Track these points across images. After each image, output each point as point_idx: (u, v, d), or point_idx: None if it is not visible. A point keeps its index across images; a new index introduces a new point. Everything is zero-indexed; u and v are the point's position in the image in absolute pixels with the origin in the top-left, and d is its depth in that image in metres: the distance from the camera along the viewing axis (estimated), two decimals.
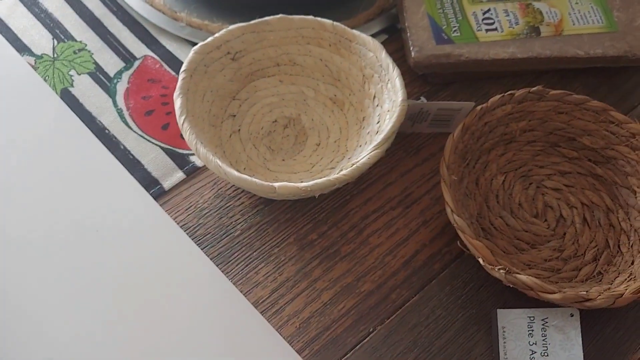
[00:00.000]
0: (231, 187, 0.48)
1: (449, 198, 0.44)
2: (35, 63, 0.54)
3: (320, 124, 0.52)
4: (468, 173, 0.49)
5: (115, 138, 0.50)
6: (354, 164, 0.43)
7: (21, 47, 0.55)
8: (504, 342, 0.42)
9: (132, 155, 0.49)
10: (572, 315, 0.41)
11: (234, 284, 0.44)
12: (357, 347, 0.42)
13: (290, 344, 0.41)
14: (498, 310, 0.42)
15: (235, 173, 0.42)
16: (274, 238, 0.46)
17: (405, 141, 0.52)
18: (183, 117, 0.44)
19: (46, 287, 0.43)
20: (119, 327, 0.42)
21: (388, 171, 0.50)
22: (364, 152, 0.45)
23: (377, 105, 0.49)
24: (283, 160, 0.50)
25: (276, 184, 0.42)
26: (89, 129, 0.50)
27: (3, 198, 0.47)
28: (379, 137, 0.45)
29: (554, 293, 0.40)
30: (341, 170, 0.43)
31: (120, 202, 0.47)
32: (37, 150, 0.49)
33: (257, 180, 0.42)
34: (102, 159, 0.49)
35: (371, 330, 0.43)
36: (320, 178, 0.42)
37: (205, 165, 0.50)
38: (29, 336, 0.41)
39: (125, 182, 0.48)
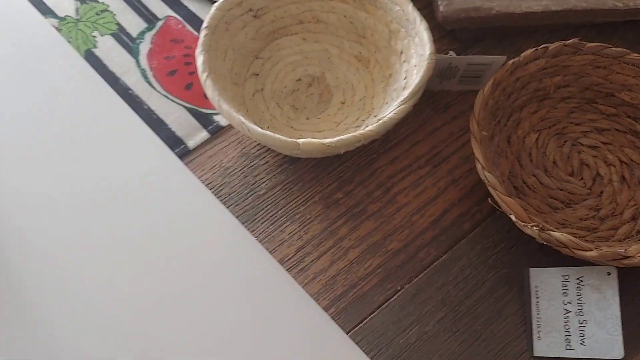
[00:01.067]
0: (255, 146, 0.48)
1: (479, 154, 0.42)
2: (58, 25, 0.54)
3: (344, 82, 0.50)
4: (499, 131, 0.47)
5: (139, 98, 0.50)
6: (380, 120, 0.42)
7: (45, 10, 0.55)
8: (537, 302, 0.40)
9: (156, 115, 0.49)
10: (609, 274, 0.40)
11: (259, 242, 0.43)
12: (385, 305, 0.41)
13: (316, 301, 0.41)
14: (531, 269, 0.41)
15: (259, 129, 0.41)
16: (299, 197, 0.46)
17: (433, 99, 0.50)
18: (205, 74, 0.43)
19: (73, 245, 0.43)
20: (144, 284, 0.42)
21: (416, 129, 0.49)
22: (390, 108, 0.43)
23: (404, 61, 0.47)
24: (307, 119, 0.49)
25: (300, 140, 0.41)
26: (113, 89, 0.50)
27: (30, 159, 0.47)
28: (406, 92, 0.44)
29: (590, 250, 0.38)
30: (367, 126, 0.42)
31: (145, 162, 0.47)
32: (62, 112, 0.49)
33: (280, 136, 0.41)
34: (126, 119, 0.49)
35: (399, 288, 0.42)
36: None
37: (229, 125, 0.49)
38: (59, 289, 0.42)
39: (149, 141, 0.48)
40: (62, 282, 0.42)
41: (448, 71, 0.48)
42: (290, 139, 0.41)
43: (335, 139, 0.41)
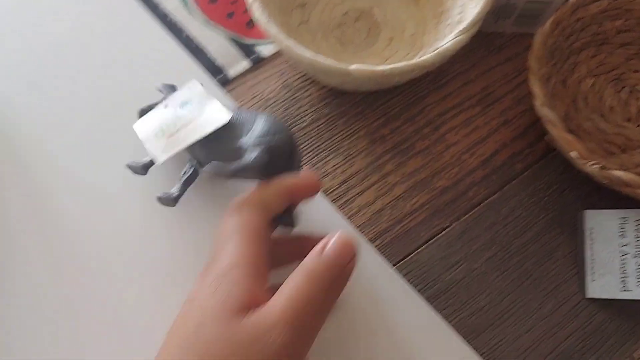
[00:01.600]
0: (299, 78, 0.46)
1: (538, 90, 0.40)
2: None
3: (394, 19, 0.48)
4: (555, 72, 0.45)
5: (179, 25, 0.48)
6: (436, 50, 0.40)
7: None
8: (592, 244, 0.39)
9: (195, 42, 0.47)
10: None
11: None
12: (431, 241, 0.40)
13: (361, 233, 0.39)
14: (586, 211, 0.39)
15: (309, 54, 0.39)
16: (343, 131, 0.44)
17: (487, 40, 0.48)
18: None
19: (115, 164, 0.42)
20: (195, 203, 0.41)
21: (468, 68, 0.46)
22: (447, 39, 0.41)
23: None
24: (355, 53, 0.47)
25: (352, 66, 0.39)
26: (152, 15, 0.48)
27: (69, 83, 0.45)
28: (461, 26, 0.42)
29: None
30: (422, 56, 0.40)
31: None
32: (99, 38, 0.47)
33: (332, 61, 0.39)
34: (165, 46, 0.47)
35: (446, 225, 0.40)
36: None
37: (271, 56, 0.47)
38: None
39: (189, 69, 0.46)
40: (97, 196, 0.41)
41: (505, 9, 0.46)
42: (341, 65, 0.39)
43: (389, 66, 0.39)
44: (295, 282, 0.26)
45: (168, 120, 0.39)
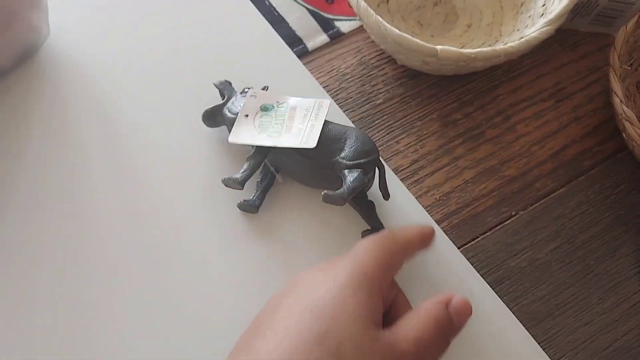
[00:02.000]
0: (375, 56, 0.47)
1: (617, 88, 0.41)
2: None
3: (472, 6, 0.49)
4: (630, 74, 0.46)
5: None
6: (522, 37, 0.40)
7: None
8: None
9: (277, 12, 0.48)
10: None
11: None
12: (498, 227, 0.40)
13: (429, 213, 0.40)
14: None
15: (396, 30, 0.40)
16: (416, 111, 0.45)
17: (562, 36, 0.48)
18: None
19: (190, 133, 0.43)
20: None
21: (541, 62, 0.47)
22: (532, 28, 0.42)
23: None
24: (432, 36, 0.47)
25: (438, 47, 0.39)
26: None
27: (145, 48, 0.46)
28: (546, 18, 0.42)
29: None
30: (506, 43, 0.41)
31: (264, 58, 0.46)
32: (177, 8, 0.48)
33: (418, 40, 0.40)
34: (247, 14, 0.48)
35: (513, 213, 0.41)
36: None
37: (350, 32, 0.48)
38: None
39: (269, 38, 0.47)
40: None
41: (585, 7, 0.46)
42: (428, 44, 0.39)
43: (476, 50, 0.39)
44: (424, 324, 0.28)
45: (279, 115, 0.40)
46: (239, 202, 0.39)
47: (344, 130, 0.38)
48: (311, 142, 0.38)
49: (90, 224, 0.39)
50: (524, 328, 0.37)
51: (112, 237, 0.39)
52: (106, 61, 0.45)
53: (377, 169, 0.38)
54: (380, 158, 0.38)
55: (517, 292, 0.39)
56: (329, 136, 0.37)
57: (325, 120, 0.38)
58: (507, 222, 0.41)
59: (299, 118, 0.40)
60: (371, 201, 0.39)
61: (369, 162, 0.37)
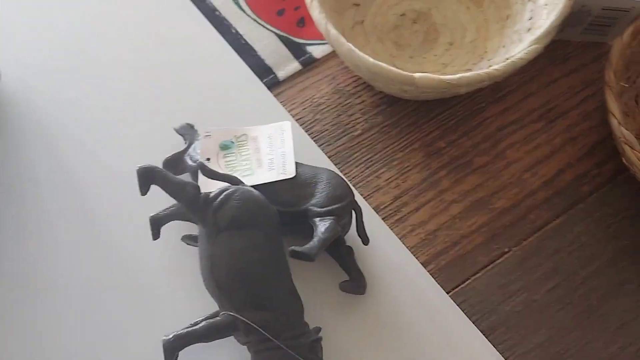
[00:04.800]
0: (351, 83, 0.43)
1: (614, 108, 0.37)
2: None
3: (453, 21, 0.45)
4: (627, 88, 0.42)
5: (227, 21, 0.45)
6: (508, 59, 0.37)
7: None
8: None
9: (244, 39, 0.45)
10: None
11: (353, 185, 0.39)
12: (489, 266, 0.37)
13: (414, 255, 0.37)
14: None
15: (371, 59, 0.37)
16: (397, 142, 0.41)
17: (551, 48, 0.44)
18: None
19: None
20: None
21: (530, 79, 0.43)
22: (518, 48, 0.38)
23: (529, 1, 0.42)
24: (411, 57, 0.44)
25: (416, 74, 0.36)
26: (198, 9, 0.46)
27: (110, 75, 0.43)
28: (534, 33, 0.39)
29: None
30: (491, 66, 0.38)
31: (231, 92, 0.43)
32: (143, 31, 0.45)
33: (394, 68, 0.37)
34: (211, 42, 0.45)
35: (506, 250, 0.38)
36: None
37: (323, 57, 0.45)
38: None
39: (236, 68, 0.44)
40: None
41: (577, 16, 0.43)
42: (405, 73, 0.36)
43: (457, 75, 0.36)
44: None
45: (242, 150, 0.37)
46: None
47: (313, 172, 0.35)
48: (289, 171, 0.35)
49: (44, 267, 0.37)
50: None
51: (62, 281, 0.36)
52: (61, 102, 0.42)
53: (353, 212, 0.35)
54: (356, 200, 0.35)
55: (513, 340, 0.35)
56: (298, 181, 0.34)
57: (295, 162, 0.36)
58: (500, 260, 0.38)
59: (265, 149, 0.37)
60: (349, 247, 0.36)
61: (342, 207, 0.34)
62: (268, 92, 0.43)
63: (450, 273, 0.37)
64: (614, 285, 0.37)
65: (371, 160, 0.41)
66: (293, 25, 0.46)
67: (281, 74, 0.44)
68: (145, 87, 0.43)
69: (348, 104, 0.43)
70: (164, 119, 0.41)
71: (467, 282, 0.37)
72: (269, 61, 0.44)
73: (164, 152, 0.38)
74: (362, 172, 0.40)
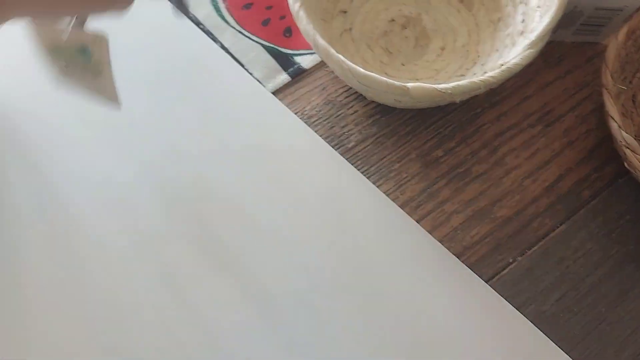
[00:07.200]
0: (343, 93, 0.42)
1: (614, 111, 0.36)
2: None
3: (444, 26, 0.44)
4: (624, 90, 0.42)
5: (211, 34, 0.44)
6: (502, 65, 0.36)
7: None
8: None
9: (230, 52, 0.43)
10: None
11: None
12: (495, 279, 0.36)
13: None
14: None
15: (362, 70, 0.35)
16: (393, 153, 0.40)
17: (544, 50, 0.44)
18: (298, 4, 0.38)
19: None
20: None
21: (525, 83, 0.43)
22: (512, 53, 0.37)
23: (520, 3, 0.41)
24: (403, 64, 0.43)
25: (409, 84, 0.35)
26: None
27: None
28: (527, 37, 0.38)
29: None
30: (474, 75, 0.37)
31: (226, 101, 0.41)
32: (131, 43, 0.43)
33: (386, 79, 0.35)
34: (199, 55, 0.43)
35: (510, 260, 0.37)
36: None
37: (312, 68, 0.43)
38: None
39: (226, 80, 0.42)
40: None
41: (569, 17, 0.42)
42: (398, 83, 0.35)
43: (452, 84, 0.35)
44: None
45: None
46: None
47: None
48: None
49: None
50: None
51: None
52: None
53: None
54: None
55: None
56: None
57: None
58: (505, 271, 0.37)
59: None
60: None
61: None
62: (267, 97, 0.41)
63: None
64: (621, 292, 0.36)
65: (367, 173, 0.39)
66: (279, 36, 0.44)
67: (270, 86, 0.42)
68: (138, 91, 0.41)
69: (341, 114, 0.42)
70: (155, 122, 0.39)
71: None
72: (257, 74, 0.42)
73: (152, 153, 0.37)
74: None
